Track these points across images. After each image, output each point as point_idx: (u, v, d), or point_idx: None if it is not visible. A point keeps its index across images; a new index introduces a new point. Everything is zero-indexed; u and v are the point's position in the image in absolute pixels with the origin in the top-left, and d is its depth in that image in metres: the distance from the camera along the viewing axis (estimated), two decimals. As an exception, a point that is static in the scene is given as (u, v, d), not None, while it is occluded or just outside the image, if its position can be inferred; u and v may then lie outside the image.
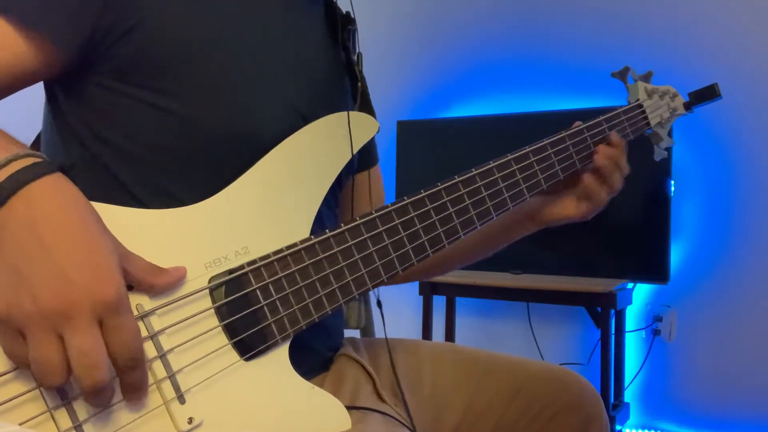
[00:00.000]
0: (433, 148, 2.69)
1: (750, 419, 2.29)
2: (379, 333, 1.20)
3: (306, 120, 0.77)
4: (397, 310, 2.77)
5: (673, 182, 2.29)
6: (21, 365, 0.53)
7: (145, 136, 0.72)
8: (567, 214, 0.97)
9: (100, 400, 0.54)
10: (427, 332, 2.57)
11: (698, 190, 2.38)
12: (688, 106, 1.11)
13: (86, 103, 0.72)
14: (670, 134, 1.12)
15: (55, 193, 0.55)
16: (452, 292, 2.59)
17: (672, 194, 2.29)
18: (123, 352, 0.54)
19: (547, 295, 2.33)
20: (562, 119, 2.69)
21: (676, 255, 2.35)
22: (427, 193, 0.79)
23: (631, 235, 2.37)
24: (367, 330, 1.20)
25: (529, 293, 2.37)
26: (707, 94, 1.10)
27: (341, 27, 0.89)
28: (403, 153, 2.75)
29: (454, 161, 2.63)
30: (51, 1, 0.66)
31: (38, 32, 0.65)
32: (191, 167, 0.73)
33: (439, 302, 2.63)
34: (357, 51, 0.90)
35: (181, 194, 0.71)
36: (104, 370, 0.53)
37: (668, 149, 1.12)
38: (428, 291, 2.55)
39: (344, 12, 0.90)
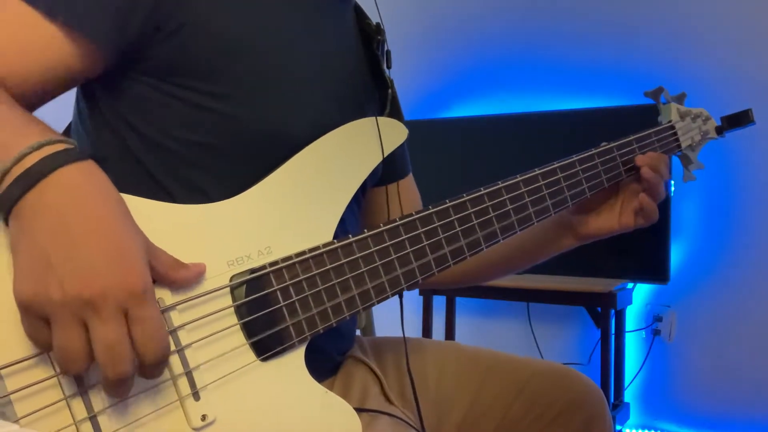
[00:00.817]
0: (432, 148, 2.69)
1: (750, 419, 2.30)
2: (379, 331, 1.20)
3: (337, 123, 0.77)
4: (397, 309, 2.77)
5: (673, 182, 2.29)
6: (43, 350, 0.53)
7: (179, 131, 0.72)
8: (609, 227, 0.96)
9: (120, 391, 0.54)
10: (427, 332, 2.57)
11: (698, 190, 2.38)
12: (719, 131, 1.09)
13: (123, 96, 0.72)
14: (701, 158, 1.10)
15: (85, 180, 0.55)
16: (452, 291, 2.59)
17: (672, 194, 2.30)
18: (148, 344, 0.54)
19: (547, 295, 2.33)
20: (562, 119, 2.70)
21: (676, 255, 2.35)
22: (452, 203, 0.79)
23: (631, 235, 2.35)
24: (367, 330, 1.20)
25: (529, 293, 2.37)
26: (740, 120, 1.07)
27: (370, 38, 0.89)
28: (403, 153, 2.75)
29: (454, 161, 2.63)
30: (97, 3, 0.66)
31: (84, 34, 0.65)
32: (223, 164, 0.73)
33: (439, 302, 2.63)
34: (385, 57, 0.90)
35: (210, 189, 0.72)
36: (128, 362, 0.53)
37: (698, 170, 1.10)
38: (428, 291, 2.55)
39: (374, 23, 0.90)
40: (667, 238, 2.28)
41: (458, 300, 2.68)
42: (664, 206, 2.28)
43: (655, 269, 2.30)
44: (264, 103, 0.73)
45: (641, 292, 2.48)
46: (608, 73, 2.51)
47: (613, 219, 0.95)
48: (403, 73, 2.88)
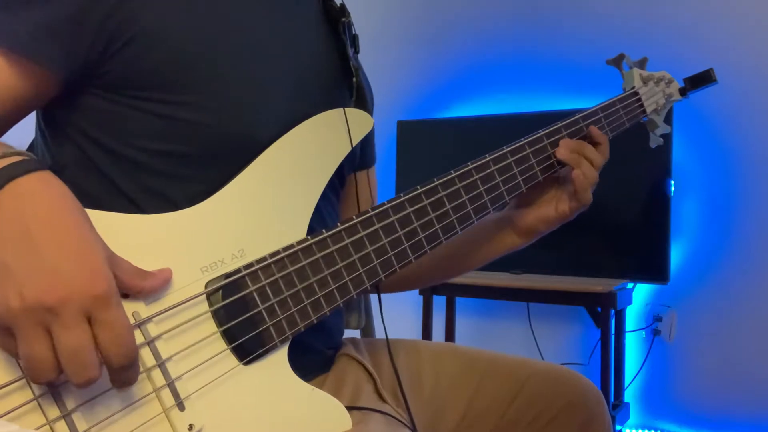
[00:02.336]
0: (433, 148, 2.69)
1: (750, 419, 2.29)
2: (379, 333, 1.20)
3: (303, 117, 0.76)
4: (397, 310, 2.77)
5: (673, 182, 2.29)
6: (16, 358, 0.53)
7: (141, 141, 0.71)
8: (546, 215, 0.93)
9: (88, 390, 0.54)
10: (427, 332, 2.57)
11: (698, 190, 2.38)
12: (683, 92, 1.09)
13: (80, 111, 0.71)
14: (667, 121, 1.10)
15: (43, 188, 0.55)
16: (452, 292, 2.59)
17: (672, 194, 2.29)
18: (115, 349, 0.53)
19: (547, 295, 2.33)
20: (561, 119, 2.68)
21: (676, 255, 2.35)
22: (423, 189, 0.78)
23: (631, 235, 2.37)
24: (367, 330, 1.19)
25: (529, 293, 2.37)
26: (703, 79, 1.07)
27: (336, 21, 0.87)
28: (403, 153, 2.75)
29: (454, 161, 2.61)
30: (43, 27, 0.65)
31: (31, 61, 0.64)
32: (189, 171, 0.72)
33: (439, 302, 2.63)
34: (352, 41, 0.88)
35: (178, 197, 0.71)
36: (94, 368, 0.52)
37: (665, 136, 1.10)
38: (428, 291, 2.55)
39: (338, 4, 0.88)
40: (667, 238, 2.28)
41: (458, 300, 2.68)
42: (664, 206, 2.28)
43: (655, 269, 2.30)
44: (227, 108, 0.72)
45: (641, 292, 2.47)
46: (607, 72, 2.50)
47: (550, 207, 0.93)
48: (403, 73, 2.89)
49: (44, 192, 0.55)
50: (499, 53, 2.74)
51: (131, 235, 0.61)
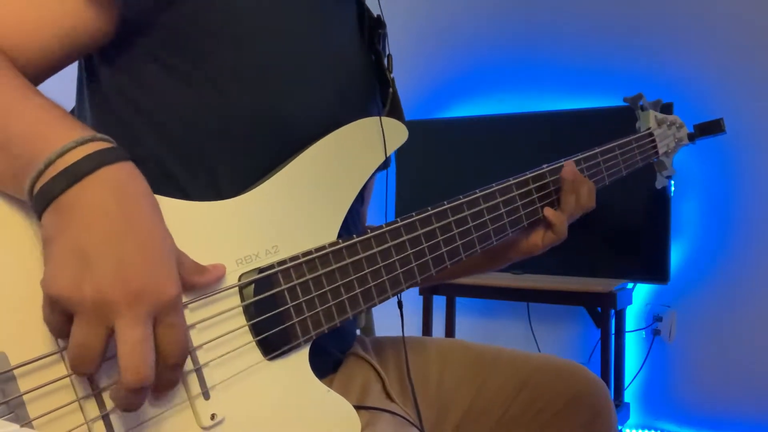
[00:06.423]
0: (433, 148, 2.69)
1: (750, 419, 2.30)
2: (379, 332, 1.20)
3: (337, 114, 0.77)
4: (397, 310, 2.77)
5: (673, 182, 2.29)
6: (57, 337, 0.53)
7: (187, 116, 0.72)
8: (534, 242, 0.96)
9: (136, 399, 0.53)
10: (427, 332, 2.57)
11: (698, 190, 2.39)
12: (692, 138, 1.15)
13: (132, 77, 0.71)
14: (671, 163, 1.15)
15: (127, 179, 0.55)
16: (452, 292, 2.59)
17: (672, 194, 2.30)
18: (173, 350, 0.54)
19: (547, 295, 2.33)
20: (562, 119, 2.70)
21: (676, 255, 2.35)
22: (450, 205, 0.82)
23: (631, 235, 2.38)
24: (367, 330, 1.20)
25: (529, 293, 2.37)
26: (712, 128, 1.14)
27: (372, 30, 0.89)
28: (403, 153, 2.75)
29: (454, 161, 2.63)
30: None
31: None
32: (228, 149, 0.73)
33: (439, 302, 2.63)
34: (387, 53, 0.90)
35: (216, 174, 0.72)
36: (152, 368, 0.52)
37: (669, 177, 1.15)
38: (428, 291, 2.55)
39: (375, 15, 0.90)
40: (667, 238, 2.29)
41: (458, 300, 2.68)
42: (664, 206, 2.29)
43: (655, 269, 2.30)
44: (268, 88, 0.73)
45: (641, 292, 2.48)
46: (607, 73, 2.51)
47: (537, 236, 0.96)
48: (401, 73, 2.88)
49: (129, 185, 0.55)
50: (499, 53, 2.75)
51: (173, 220, 0.61)
